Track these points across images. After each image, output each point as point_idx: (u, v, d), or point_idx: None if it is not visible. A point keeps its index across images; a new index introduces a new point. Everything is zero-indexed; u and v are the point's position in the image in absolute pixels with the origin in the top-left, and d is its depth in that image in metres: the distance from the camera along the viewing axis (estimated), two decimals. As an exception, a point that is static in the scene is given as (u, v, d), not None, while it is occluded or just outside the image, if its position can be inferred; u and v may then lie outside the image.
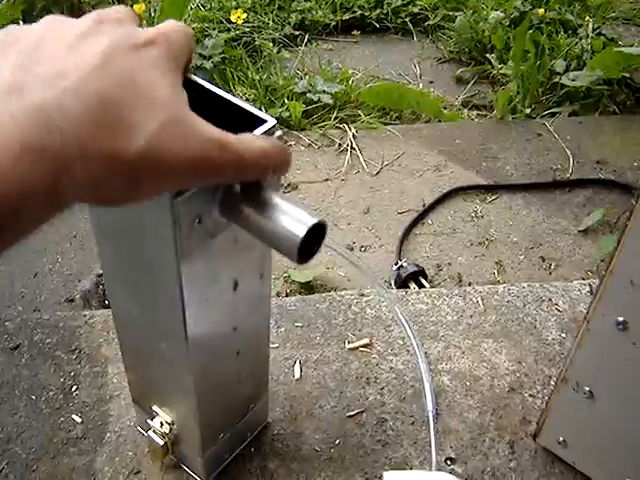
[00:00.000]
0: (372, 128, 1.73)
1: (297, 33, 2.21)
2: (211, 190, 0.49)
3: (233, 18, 2.04)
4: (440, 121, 1.81)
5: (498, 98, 1.79)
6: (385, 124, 1.76)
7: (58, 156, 0.34)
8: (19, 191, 0.33)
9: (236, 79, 1.89)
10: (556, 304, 1.01)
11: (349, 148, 1.64)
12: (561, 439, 0.79)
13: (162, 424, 0.73)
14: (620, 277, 0.62)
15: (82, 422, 0.86)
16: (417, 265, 1.30)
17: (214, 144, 0.40)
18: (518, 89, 1.84)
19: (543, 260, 1.37)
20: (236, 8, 2.13)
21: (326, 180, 1.56)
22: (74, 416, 0.87)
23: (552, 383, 0.89)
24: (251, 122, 0.51)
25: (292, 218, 0.45)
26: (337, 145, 1.66)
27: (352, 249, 1.39)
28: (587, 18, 2.08)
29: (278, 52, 2.09)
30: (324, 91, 1.82)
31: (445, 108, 1.88)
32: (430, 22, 2.27)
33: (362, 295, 1.02)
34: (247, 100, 1.76)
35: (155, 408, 0.74)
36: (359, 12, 2.29)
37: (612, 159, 1.62)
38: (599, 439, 0.75)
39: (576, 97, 1.86)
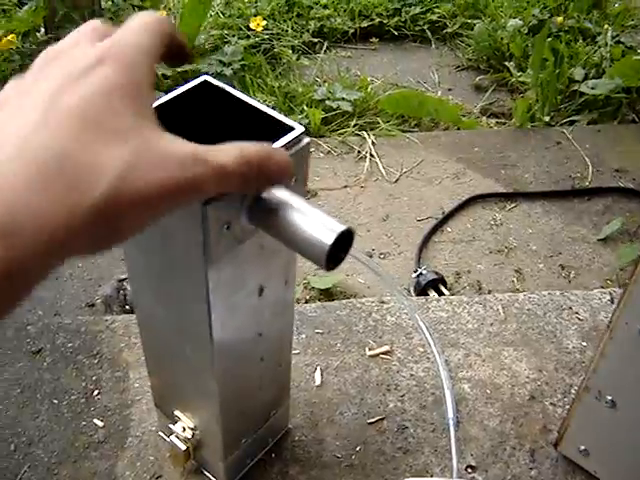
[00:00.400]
0: (391, 135, 1.73)
1: (316, 40, 2.22)
2: (239, 197, 0.49)
3: (252, 25, 2.06)
4: (459, 129, 1.82)
5: (517, 106, 1.79)
6: (404, 131, 1.76)
7: (10, 233, 0.31)
8: None
9: (255, 86, 1.90)
10: (577, 312, 1.01)
11: (368, 155, 1.64)
12: (582, 448, 0.78)
13: (184, 429, 0.74)
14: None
15: (104, 426, 0.86)
16: (437, 272, 1.30)
17: (188, 160, 0.37)
18: (537, 97, 1.84)
19: (562, 268, 1.37)
20: (255, 15, 2.14)
21: (345, 187, 1.56)
22: (96, 420, 0.87)
23: (573, 392, 0.89)
24: (277, 130, 0.51)
25: (321, 225, 0.46)
26: (356, 152, 1.66)
27: (371, 256, 1.39)
28: (606, 26, 2.08)
29: (297, 59, 2.11)
30: (343, 98, 1.83)
31: (464, 116, 1.88)
32: (448, 30, 2.28)
33: (382, 302, 1.02)
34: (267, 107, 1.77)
35: (177, 413, 0.74)
36: (377, 20, 2.29)
37: (631, 167, 1.61)
38: (621, 448, 0.75)
39: (595, 105, 1.85)
